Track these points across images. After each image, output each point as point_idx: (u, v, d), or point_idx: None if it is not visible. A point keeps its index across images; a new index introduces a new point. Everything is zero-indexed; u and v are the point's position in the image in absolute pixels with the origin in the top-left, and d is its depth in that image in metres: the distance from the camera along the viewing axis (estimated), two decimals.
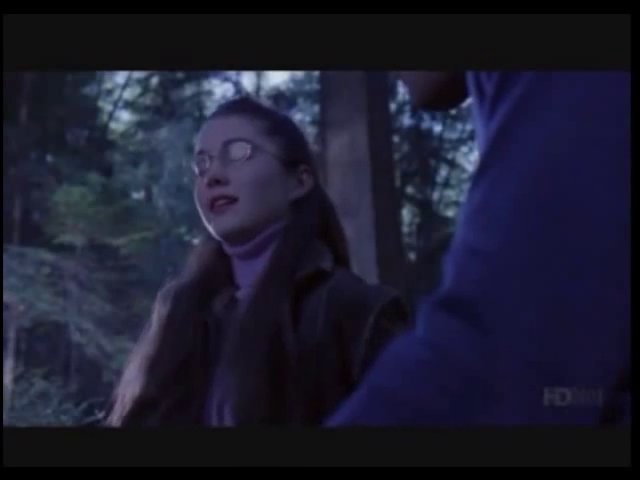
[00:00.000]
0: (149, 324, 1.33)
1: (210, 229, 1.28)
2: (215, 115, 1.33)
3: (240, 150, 1.27)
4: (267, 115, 1.33)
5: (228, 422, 1.15)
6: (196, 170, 1.31)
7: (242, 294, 1.28)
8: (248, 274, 1.28)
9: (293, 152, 1.32)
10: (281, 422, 1.13)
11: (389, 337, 1.14)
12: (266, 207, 1.27)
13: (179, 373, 1.22)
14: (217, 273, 1.32)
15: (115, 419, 1.24)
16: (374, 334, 1.18)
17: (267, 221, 1.27)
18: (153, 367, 1.25)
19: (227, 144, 1.27)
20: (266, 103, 1.38)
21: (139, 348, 1.31)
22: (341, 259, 1.33)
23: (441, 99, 0.75)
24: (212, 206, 1.26)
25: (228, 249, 1.30)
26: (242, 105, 1.34)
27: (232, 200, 1.25)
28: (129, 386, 1.26)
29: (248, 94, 1.47)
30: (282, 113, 1.39)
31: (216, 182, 1.25)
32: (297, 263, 1.25)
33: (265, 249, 1.27)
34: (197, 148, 1.31)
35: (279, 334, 1.18)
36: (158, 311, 1.32)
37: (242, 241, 1.27)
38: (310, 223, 1.31)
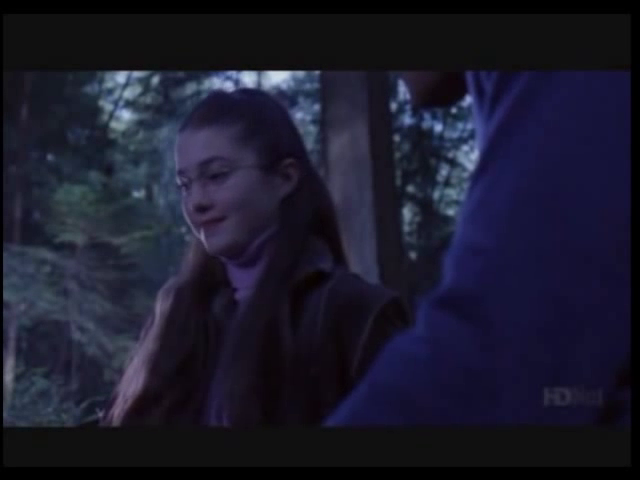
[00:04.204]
0: (150, 322, 1.33)
1: (201, 240, 1.28)
2: (187, 127, 1.27)
3: (217, 169, 1.24)
4: (242, 116, 1.27)
5: (226, 424, 1.16)
6: (179, 183, 1.28)
7: (241, 296, 1.28)
8: (244, 278, 1.28)
9: (273, 150, 1.28)
10: (277, 423, 1.13)
11: (388, 338, 1.14)
12: (254, 220, 1.25)
13: (182, 369, 1.23)
14: (215, 273, 1.32)
15: (117, 414, 1.24)
16: (373, 335, 1.18)
17: (259, 230, 1.26)
18: (156, 363, 1.25)
19: (203, 164, 1.24)
20: (242, 97, 1.31)
21: (141, 345, 1.31)
22: (339, 256, 1.32)
23: (439, 96, 0.76)
24: (202, 227, 1.25)
25: (223, 259, 1.30)
26: (214, 112, 1.27)
27: (219, 220, 1.24)
28: (132, 381, 1.26)
29: (220, 91, 1.38)
30: (262, 103, 1.32)
31: (201, 208, 1.24)
32: (295, 263, 1.24)
33: (260, 256, 1.27)
34: (177, 166, 1.28)
35: (276, 336, 1.18)
36: (160, 308, 1.32)
37: (236, 255, 1.27)
38: (301, 220, 1.29)
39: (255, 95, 1.35)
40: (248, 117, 1.27)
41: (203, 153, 1.24)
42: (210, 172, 1.24)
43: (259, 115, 1.29)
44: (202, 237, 1.25)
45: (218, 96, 1.33)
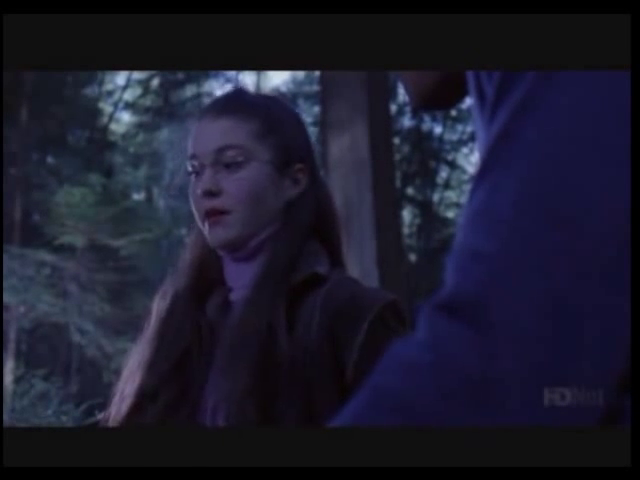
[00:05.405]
0: (148, 322, 1.33)
1: (204, 232, 1.28)
2: (206, 115, 1.29)
3: (232, 157, 1.25)
4: (261, 114, 1.29)
5: (221, 424, 1.16)
6: (189, 169, 1.29)
7: (235, 296, 1.28)
8: (240, 276, 1.28)
9: (287, 153, 1.29)
10: (273, 424, 1.13)
11: (384, 341, 1.14)
12: (259, 216, 1.26)
13: (177, 368, 1.23)
14: (211, 272, 1.32)
15: (114, 412, 1.25)
16: (369, 337, 1.18)
17: (261, 228, 1.27)
18: (153, 362, 1.25)
19: (219, 151, 1.25)
20: (261, 98, 1.33)
21: (138, 345, 1.31)
22: (337, 259, 1.32)
23: (438, 99, 0.75)
24: (206, 216, 1.25)
25: (221, 252, 1.30)
26: (234, 104, 1.30)
27: (225, 212, 1.24)
28: (128, 380, 1.26)
29: (242, 88, 1.39)
30: (279, 106, 1.34)
31: (209, 194, 1.24)
32: (292, 266, 1.24)
33: (258, 254, 1.27)
34: (190, 151, 1.29)
35: (273, 338, 1.18)
36: (157, 308, 1.32)
37: (236, 249, 1.27)
38: (304, 223, 1.29)
39: (273, 98, 1.37)
40: (267, 115, 1.29)
41: (220, 140, 1.26)
42: (225, 160, 1.25)
43: (277, 116, 1.31)
44: (205, 228, 1.26)
45: (239, 91, 1.36)
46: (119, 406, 1.25)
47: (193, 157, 1.28)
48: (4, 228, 10.89)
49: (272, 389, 1.15)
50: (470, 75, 0.64)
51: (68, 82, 14.92)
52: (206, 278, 1.32)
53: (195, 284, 1.31)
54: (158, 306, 1.33)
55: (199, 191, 1.25)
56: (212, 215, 1.25)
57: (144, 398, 1.23)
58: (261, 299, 1.21)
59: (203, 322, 1.27)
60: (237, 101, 1.31)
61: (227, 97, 1.34)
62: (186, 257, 1.35)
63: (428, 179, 16.22)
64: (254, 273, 1.26)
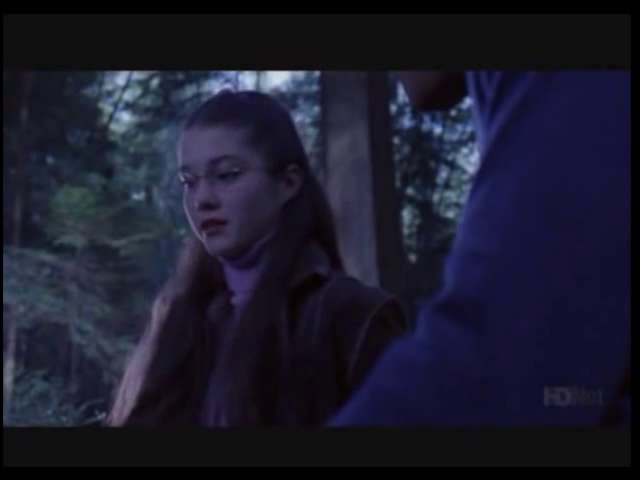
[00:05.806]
0: (149, 326, 1.33)
1: (202, 241, 1.27)
2: (194, 124, 1.26)
3: (227, 168, 1.23)
4: (250, 119, 1.27)
5: (224, 425, 1.16)
6: (182, 179, 1.28)
7: (237, 300, 1.28)
8: (242, 281, 1.28)
9: (280, 155, 1.28)
10: (275, 425, 1.13)
11: (385, 341, 1.13)
12: (257, 223, 1.25)
13: (179, 373, 1.23)
14: (211, 276, 1.32)
15: (116, 416, 1.25)
16: (370, 337, 1.18)
17: (259, 235, 1.26)
18: (154, 367, 1.25)
19: (213, 163, 1.23)
20: (248, 99, 1.31)
21: (141, 347, 1.31)
22: (336, 260, 1.32)
23: (439, 100, 0.75)
24: (203, 227, 1.25)
25: (221, 260, 1.30)
26: (222, 110, 1.27)
27: (223, 222, 1.24)
28: (130, 383, 1.26)
29: (228, 91, 1.35)
30: (268, 106, 1.32)
31: (207, 206, 1.23)
32: (292, 267, 1.24)
33: (259, 258, 1.27)
34: (180, 162, 1.27)
35: (274, 338, 1.18)
36: (158, 313, 1.32)
37: (236, 257, 1.27)
38: (302, 225, 1.29)
39: (262, 99, 1.35)
40: (256, 120, 1.27)
41: (213, 151, 1.24)
42: (219, 171, 1.24)
43: (267, 119, 1.29)
44: (203, 237, 1.25)
45: (226, 96, 1.32)
46: (121, 410, 1.25)
47: (185, 169, 1.26)
48: (4, 228, 10.89)
49: (273, 389, 1.16)
50: (470, 75, 0.64)
51: (68, 82, 14.92)
52: (207, 282, 1.32)
53: (196, 288, 1.31)
54: (159, 310, 1.32)
55: (196, 204, 1.24)
56: (210, 226, 1.24)
57: (146, 402, 1.23)
58: (262, 302, 1.21)
59: (205, 325, 1.27)
60: (224, 107, 1.28)
61: (213, 103, 1.30)
62: (185, 262, 1.34)
63: (428, 179, 16.24)
64: (255, 278, 1.26)
